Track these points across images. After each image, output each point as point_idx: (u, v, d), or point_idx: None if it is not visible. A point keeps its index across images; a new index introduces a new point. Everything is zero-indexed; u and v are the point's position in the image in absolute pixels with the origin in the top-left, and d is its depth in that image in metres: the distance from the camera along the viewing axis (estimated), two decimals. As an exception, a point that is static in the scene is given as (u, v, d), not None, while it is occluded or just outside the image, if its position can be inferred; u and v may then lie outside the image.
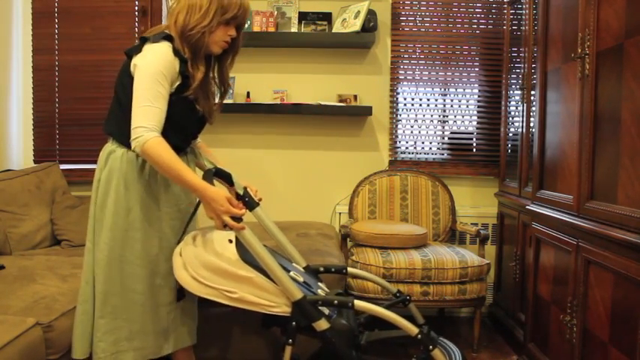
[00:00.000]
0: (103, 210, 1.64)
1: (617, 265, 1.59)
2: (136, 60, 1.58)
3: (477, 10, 3.20)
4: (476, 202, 3.25)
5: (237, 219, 1.51)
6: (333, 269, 1.90)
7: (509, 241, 2.89)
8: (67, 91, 3.21)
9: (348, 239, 2.82)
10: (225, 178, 1.77)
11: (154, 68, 1.55)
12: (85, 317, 1.65)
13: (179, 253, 1.62)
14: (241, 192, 1.77)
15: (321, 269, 1.89)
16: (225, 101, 3.13)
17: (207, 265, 1.55)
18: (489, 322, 3.09)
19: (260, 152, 3.28)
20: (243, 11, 1.68)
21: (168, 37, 1.61)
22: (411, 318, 1.78)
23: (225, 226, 1.52)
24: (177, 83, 1.62)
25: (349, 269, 1.91)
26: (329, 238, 2.66)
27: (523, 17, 2.77)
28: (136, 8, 3.16)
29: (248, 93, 3.19)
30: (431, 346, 1.54)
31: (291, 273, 1.68)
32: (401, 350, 1.56)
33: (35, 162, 3.20)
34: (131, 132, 1.53)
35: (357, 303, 1.55)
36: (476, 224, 3.09)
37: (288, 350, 1.57)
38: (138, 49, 1.60)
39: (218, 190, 1.52)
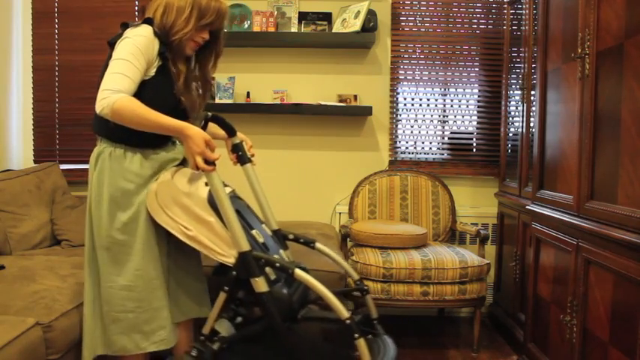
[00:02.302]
0: (100, 210, 1.65)
1: (617, 265, 1.59)
2: (117, 43, 1.60)
3: (477, 10, 3.20)
4: (476, 202, 3.25)
5: (211, 163, 1.53)
6: (301, 240, 1.89)
7: (509, 241, 2.89)
8: (67, 91, 3.21)
9: (348, 239, 2.82)
10: (226, 126, 1.79)
11: (131, 44, 1.57)
12: (93, 319, 1.68)
13: (156, 181, 1.67)
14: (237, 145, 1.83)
15: (290, 236, 1.89)
16: (225, 101, 3.15)
17: (175, 197, 1.61)
18: (489, 322, 3.09)
19: (260, 152, 3.26)
20: (220, 17, 1.70)
21: (148, 21, 1.64)
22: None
23: (197, 168, 1.54)
24: (158, 64, 1.64)
25: (317, 244, 1.90)
26: (329, 238, 2.66)
27: (523, 17, 2.76)
28: (136, 8, 3.16)
29: (248, 93, 3.19)
30: (356, 334, 1.51)
31: (254, 231, 1.68)
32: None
33: (35, 162, 3.20)
34: (97, 95, 1.53)
35: (298, 272, 1.55)
36: (476, 224, 3.09)
37: (222, 297, 1.60)
38: (119, 36, 1.62)
39: (198, 130, 1.53)
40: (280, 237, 1.89)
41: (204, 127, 1.61)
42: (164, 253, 1.72)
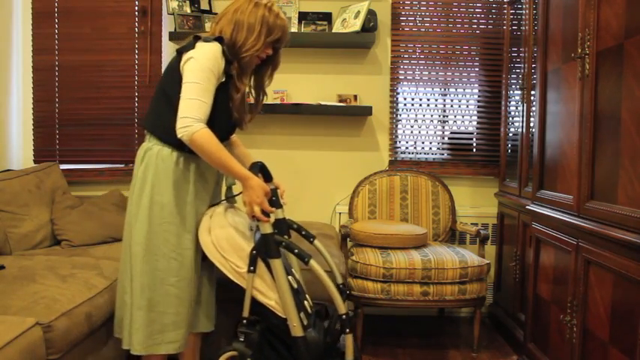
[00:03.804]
0: (139, 205, 1.71)
1: (617, 265, 1.59)
2: (188, 56, 1.67)
3: (477, 10, 3.20)
4: (476, 202, 3.25)
5: (267, 214, 1.68)
6: (303, 232, 2.00)
7: (509, 241, 2.89)
8: (67, 91, 3.20)
9: (348, 239, 2.82)
10: (265, 173, 1.91)
11: (204, 65, 1.64)
12: (127, 309, 1.74)
13: (209, 215, 1.75)
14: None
15: (294, 226, 1.99)
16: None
17: (230, 238, 1.70)
18: (489, 322, 3.09)
19: (260, 152, 3.27)
20: (285, 34, 1.80)
21: (219, 39, 1.70)
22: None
23: (253, 216, 1.67)
24: (221, 81, 1.72)
25: (315, 242, 1.99)
26: (329, 238, 2.66)
27: (523, 17, 2.76)
28: (136, 8, 3.15)
29: (248, 93, 3.18)
30: (348, 330, 1.69)
31: (289, 277, 1.77)
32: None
33: (35, 162, 3.20)
34: (177, 121, 1.61)
35: (312, 263, 1.67)
36: (476, 224, 3.09)
37: (250, 277, 1.69)
38: (191, 47, 1.68)
39: (260, 182, 1.69)
40: (285, 226, 1.96)
41: (263, 175, 1.80)
42: (191, 267, 1.76)
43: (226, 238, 1.70)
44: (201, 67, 1.64)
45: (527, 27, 2.66)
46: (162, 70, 3.14)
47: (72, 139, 3.23)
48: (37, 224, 2.61)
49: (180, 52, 1.71)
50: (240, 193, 1.75)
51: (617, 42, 1.64)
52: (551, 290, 2.09)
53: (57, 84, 3.20)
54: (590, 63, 1.79)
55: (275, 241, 1.68)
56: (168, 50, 3.19)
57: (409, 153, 3.27)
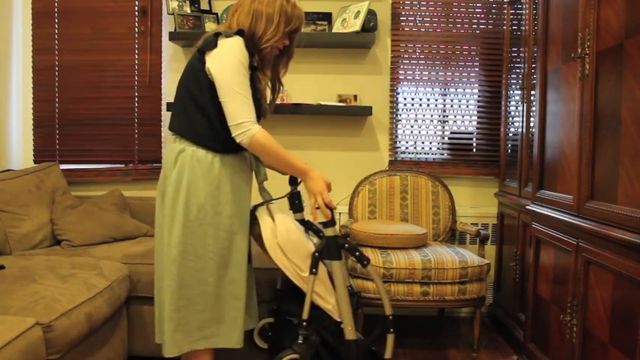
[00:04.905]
0: (175, 207, 1.69)
1: (617, 265, 1.59)
2: (213, 54, 1.65)
3: (477, 10, 3.20)
4: (476, 202, 3.25)
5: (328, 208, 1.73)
6: (320, 234, 2.00)
7: (509, 241, 2.89)
8: (67, 91, 3.20)
9: (348, 239, 2.81)
10: (293, 178, 1.96)
11: (234, 59, 1.63)
12: (164, 313, 1.74)
13: (269, 216, 1.77)
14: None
15: (314, 227, 2.01)
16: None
17: (297, 240, 1.73)
18: (489, 322, 3.09)
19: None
20: (301, 23, 1.81)
21: (240, 33, 1.69)
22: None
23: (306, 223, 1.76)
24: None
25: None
26: (329, 238, 2.66)
27: (523, 17, 2.77)
28: (136, 8, 3.15)
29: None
30: (391, 329, 1.76)
31: None
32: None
33: (35, 162, 3.20)
34: (233, 127, 1.63)
35: (370, 268, 1.74)
36: (476, 224, 3.09)
37: (311, 280, 1.71)
38: (212, 44, 1.65)
39: (320, 174, 1.76)
40: (306, 227, 1.98)
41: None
42: (228, 267, 1.75)
43: (294, 240, 1.73)
44: (232, 63, 1.62)
45: (527, 27, 2.66)
46: (163, 70, 3.18)
47: (72, 139, 3.23)
48: (37, 224, 2.61)
49: (202, 52, 1.67)
50: (298, 185, 1.79)
51: (617, 42, 1.64)
52: (551, 290, 2.09)
53: (57, 84, 3.20)
54: (590, 63, 1.79)
55: (337, 244, 1.71)
56: (168, 50, 3.19)
57: (409, 153, 3.27)
